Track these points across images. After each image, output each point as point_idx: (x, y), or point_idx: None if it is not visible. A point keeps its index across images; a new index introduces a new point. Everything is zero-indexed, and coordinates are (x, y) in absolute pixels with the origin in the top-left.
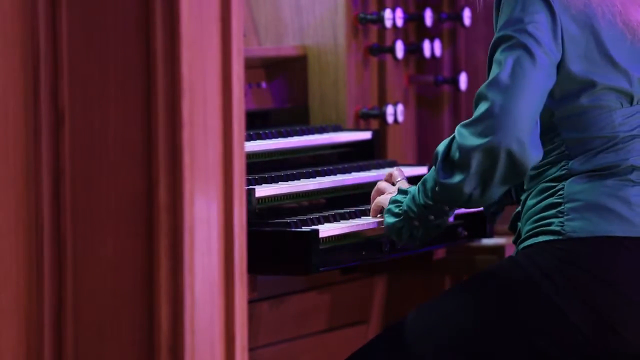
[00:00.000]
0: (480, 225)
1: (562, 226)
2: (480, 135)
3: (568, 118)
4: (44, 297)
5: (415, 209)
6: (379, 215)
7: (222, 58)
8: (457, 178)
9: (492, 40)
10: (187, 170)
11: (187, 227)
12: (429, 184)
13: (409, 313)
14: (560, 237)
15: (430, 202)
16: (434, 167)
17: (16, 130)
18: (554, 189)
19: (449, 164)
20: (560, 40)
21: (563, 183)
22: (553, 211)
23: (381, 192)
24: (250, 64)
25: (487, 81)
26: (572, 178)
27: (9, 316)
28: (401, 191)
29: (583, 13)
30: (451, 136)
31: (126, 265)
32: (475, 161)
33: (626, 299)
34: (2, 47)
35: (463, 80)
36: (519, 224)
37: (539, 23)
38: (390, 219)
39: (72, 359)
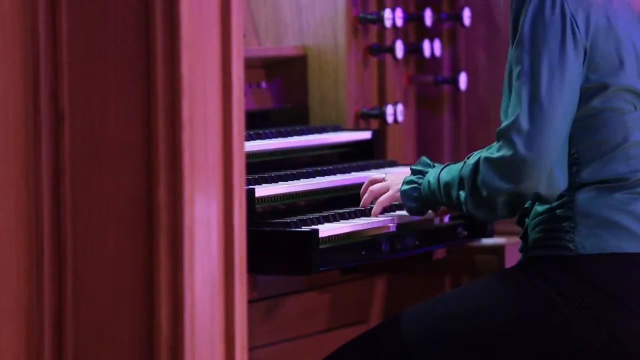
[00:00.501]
0: (480, 225)
1: (572, 242)
2: (507, 180)
3: (580, 120)
4: (44, 297)
5: (435, 201)
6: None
7: (222, 58)
8: (484, 212)
9: (511, 55)
10: (187, 170)
11: (187, 227)
12: (454, 194)
13: (407, 310)
14: (571, 254)
15: (455, 208)
16: (458, 177)
17: (16, 130)
18: (563, 200)
19: (476, 196)
20: (579, 47)
21: (573, 194)
22: (563, 224)
23: (379, 193)
24: (250, 64)
25: (509, 120)
26: (582, 189)
27: (9, 316)
28: (415, 171)
29: (602, 8)
30: (475, 160)
31: (126, 265)
32: (503, 200)
33: (636, 315)
34: (2, 47)
35: (463, 80)
36: (527, 220)
37: (553, 39)
38: (410, 204)
39: (72, 359)
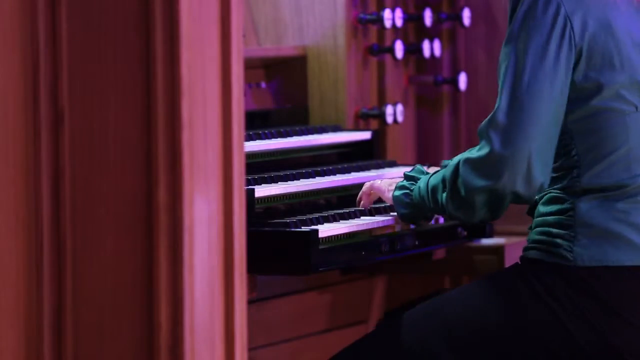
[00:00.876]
0: (479, 225)
1: (571, 252)
2: (484, 177)
3: (579, 120)
4: (43, 297)
5: (425, 208)
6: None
7: (222, 58)
8: (464, 213)
9: (501, 52)
10: (187, 170)
11: (187, 227)
12: (439, 198)
13: (408, 311)
14: (569, 264)
15: (441, 213)
16: (442, 179)
17: (16, 130)
18: (564, 207)
19: (456, 197)
20: (565, 47)
21: (574, 201)
22: (562, 232)
23: (374, 196)
24: (250, 64)
25: (488, 116)
26: (584, 198)
27: (9, 316)
28: (407, 177)
29: (602, 6)
30: (456, 161)
31: (126, 265)
32: (481, 199)
33: (634, 327)
34: (2, 47)
35: (462, 80)
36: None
37: (540, 38)
38: (401, 210)
39: (72, 359)
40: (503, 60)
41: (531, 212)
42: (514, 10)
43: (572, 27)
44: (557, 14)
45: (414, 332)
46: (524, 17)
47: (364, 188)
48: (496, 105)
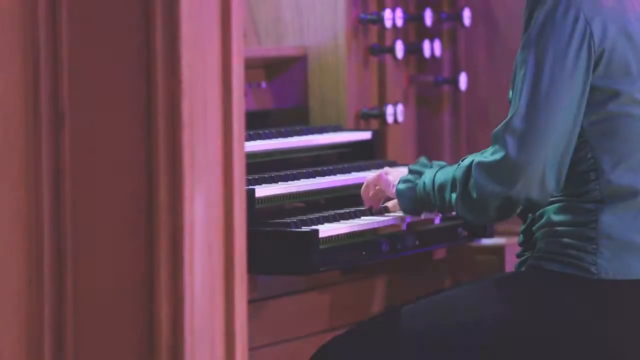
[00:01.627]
0: (480, 225)
1: (594, 265)
2: (498, 183)
3: (596, 124)
4: (44, 297)
5: (429, 203)
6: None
7: (222, 58)
8: (474, 215)
9: (517, 57)
10: (187, 170)
11: (187, 227)
12: (447, 197)
13: (408, 306)
14: (592, 277)
15: (447, 211)
16: (452, 179)
17: (16, 131)
18: (584, 218)
19: (467, 199)
20: (584, 53)
21: (596, 212)
22: (582, 244)
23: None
24: (251, 64)
25: (504, 121)
26: (605, 209)
27: (9, 316)
28: (412, 170)
29: (619, 16)
30: (469, 162)
31: (126, 265)
32: (494, 205)
33: None
34: (2, 48)
35: (463, 80)
36: (530, 215)
37: (560, 43)
38: (405, 203)
39: (72, 358)
40: (520, 65)
41: (522, 214)
42: (531, 14)
43: (591, 33)
44: (576, 19)
45: (411, 328)
46: (543, 22)
47: (369, 178)
48: (513, 110)
